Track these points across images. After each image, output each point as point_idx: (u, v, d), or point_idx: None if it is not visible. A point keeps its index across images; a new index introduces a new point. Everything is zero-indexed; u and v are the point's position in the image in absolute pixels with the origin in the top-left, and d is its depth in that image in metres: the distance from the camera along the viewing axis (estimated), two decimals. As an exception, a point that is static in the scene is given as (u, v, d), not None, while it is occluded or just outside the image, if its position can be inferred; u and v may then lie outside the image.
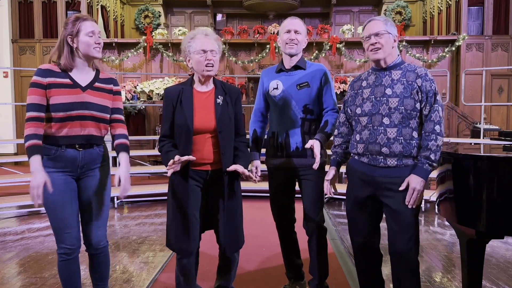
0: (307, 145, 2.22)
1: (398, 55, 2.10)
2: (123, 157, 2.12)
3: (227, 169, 2.12)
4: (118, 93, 2.19)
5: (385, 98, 2.00)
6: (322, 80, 2.41)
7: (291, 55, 2.40)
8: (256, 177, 2.37)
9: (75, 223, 2.05)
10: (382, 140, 1.99)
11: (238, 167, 2.11)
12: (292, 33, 2.37)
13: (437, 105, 1.98)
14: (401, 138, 1.97)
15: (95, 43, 2.02)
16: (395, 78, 2.02)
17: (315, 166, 2.23)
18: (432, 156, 1.94)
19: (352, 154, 2.18)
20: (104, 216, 2.14)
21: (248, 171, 2.16)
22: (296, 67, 2.42)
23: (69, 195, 2.04)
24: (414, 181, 1.93)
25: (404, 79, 2.00)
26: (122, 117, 2.20)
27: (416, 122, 2.00)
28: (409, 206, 1.95)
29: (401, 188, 1.96)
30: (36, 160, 1.91)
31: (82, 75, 2.06)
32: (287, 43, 2.38)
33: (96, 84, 2.09)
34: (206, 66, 2.11)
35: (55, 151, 2.00)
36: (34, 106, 1.96)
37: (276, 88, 2.42)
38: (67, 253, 2.04)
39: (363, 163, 2.07)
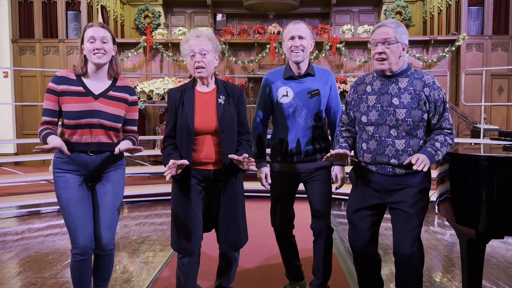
0: (335, 183, 2.41)
1: (405, 61, 2.03)
2: (124, 140, 2.13)
3: (229, 155, 2.09)
4: (134, 103, 2.20)
5: (392, 108, 1.96)
6: (331, 86, 2.38)
7: (298, 63, 2.33)
8: (266, 186, 2.44)
9: (88, 223, 2.07)
10: (391, 151, 1.97)
11: (234, 156, 2.08)
12: (296, 39, 2.27)
13: (447, 113, 1.97)
14: (410, 149, 1.95)
15: (94, 49, 2.02)
16: (402, 86, 1.97)
17: (338, 186, 2.42)
18: (438, 145, 1.93)
19: (358, 160, 2.15)
20: (114, 219, 2.15)
21: (245, 171, 2.15)
22: (306, 74, 2.35)
23: (82, 195, 2.08)
24: (419, 155, 1.89)
25: (411, 88, 1.96)
26: (135, 129, 2.25)
27: (423, 131, 1.99)
28: (416, 167, 1.85)
29: (405, 163, 1.92)
30: (52, 135, 1.98)
31: (97, 83, 2.10)
32: (292, 51, 2.28)
33: (110, 92, 2.10)
34: (196, 68, 2.12)
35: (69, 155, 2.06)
36: (47, 112, 2.06)
37: (286, 96, 2.35)
38: (81, 253, 2.05)
39: (371, 171, 2.05)
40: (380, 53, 1.95)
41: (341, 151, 1.99)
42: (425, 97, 1.95)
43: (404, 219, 1.98)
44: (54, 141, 1.94)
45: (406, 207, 1.98)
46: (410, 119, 1.94)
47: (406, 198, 1.98)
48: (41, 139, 2.02)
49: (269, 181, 2.43)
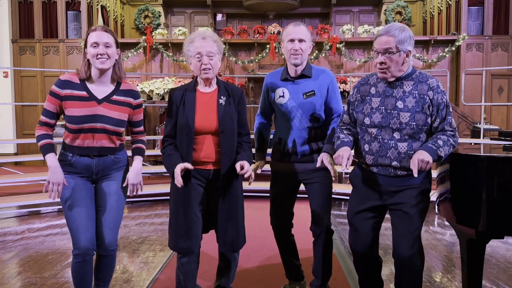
0: (318, 164, 2.22)
1: (411, 64, 1.99)
2: (135, 160, 2.21)
3: (238, 172, 2.10)
4: (138, 106, 2.21)
5: (396, 112, 1.95)
6: (329, 87, 2.36)
7: (296, 65, 2.33)
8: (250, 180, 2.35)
9: (90, 225, 2.06)
10: (393, 154, 1.96)
11: (245, 164, 2.10)
12: (296, 42, 2.27)
13: (449, 117, 1.96)
14: (412, 152, 1.93)
15: (97, 54, 2.01)
16: (407, 90, 1.96)
17: (333, 176, 2.21)
18: (440, 142, 1.90)
19: (358, 162, 2.13)
20: (117, 219, 2.16)
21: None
22: (301, 76, 2.35)
23: (85, 196, 2.08)
24: (419, 152, 1.86)
25: (416, 92, 1.94)
26: (142, 129, 2.28)
27: (426, 135, 1.98)
28: (414, 175, 1.84)
29: (411, 165, 1.84)
30: (51, 157, 2.05)
31: (101, 87, 2.09)
32: (291, 54, 2.28)
33: (114, 97, 2.10)
34: (203, 70, 2.12)
35: (71, 158, 2.08)
36: (47, 113, 2.08)
37: (282, 96, 2.37)
38: (82, 254, 2.05)
39: (373, 173, 2.04)
40: (381, 63, 1.93)
41: (346, 153, 1.96)
42: (429, 101, 1.93)
43: (404, 220, 1.97)
44: (56, 176, 2.01)
45: (407, 208, 1.97)
46: (414, 123, 1.93)
47: (407, 199, 1.98)
48: (39, 146, 2.06)
49: (257, 173, 2.43)
